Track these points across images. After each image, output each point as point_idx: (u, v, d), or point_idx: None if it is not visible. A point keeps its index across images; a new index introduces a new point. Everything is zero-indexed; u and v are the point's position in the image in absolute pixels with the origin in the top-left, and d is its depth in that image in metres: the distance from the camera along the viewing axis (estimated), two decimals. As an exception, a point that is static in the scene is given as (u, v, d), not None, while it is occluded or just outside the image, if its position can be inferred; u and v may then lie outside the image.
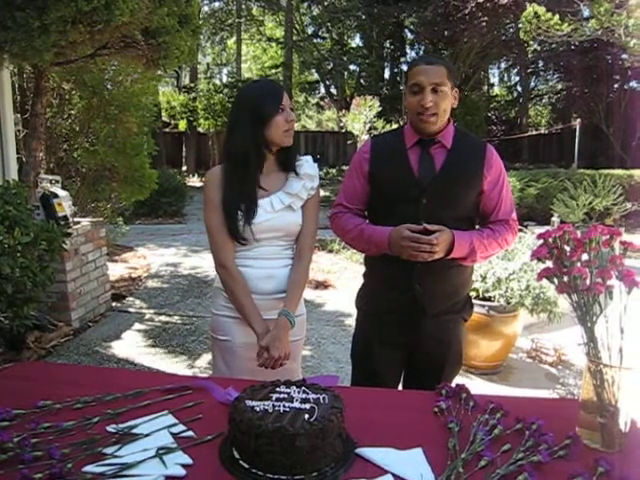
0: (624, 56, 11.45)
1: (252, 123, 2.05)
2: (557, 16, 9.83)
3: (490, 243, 2.14)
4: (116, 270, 7.22)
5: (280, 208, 2.12)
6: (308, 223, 2.19)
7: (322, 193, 13.26)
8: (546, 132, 24.45)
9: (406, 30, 22.45)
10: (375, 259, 2.23)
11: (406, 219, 2.06)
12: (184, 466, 1.34)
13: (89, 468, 1.32)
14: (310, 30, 23.80)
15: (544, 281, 1.54)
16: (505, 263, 4.26)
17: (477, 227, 2.27)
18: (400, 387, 2.37)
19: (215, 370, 2.27)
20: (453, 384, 1.81)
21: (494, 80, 28.30)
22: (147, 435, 1.47)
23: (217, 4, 25.64)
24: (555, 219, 7.34)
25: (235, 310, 2.13)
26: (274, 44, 25.58)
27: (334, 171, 19.20)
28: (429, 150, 2.14)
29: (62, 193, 4.96)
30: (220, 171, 2.13)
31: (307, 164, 2.20)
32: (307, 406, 1.40)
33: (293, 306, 2.12)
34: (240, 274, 2.11)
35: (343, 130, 13.61)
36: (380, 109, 8.91)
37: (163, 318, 5.58)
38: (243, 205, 2.07)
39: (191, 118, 20.73)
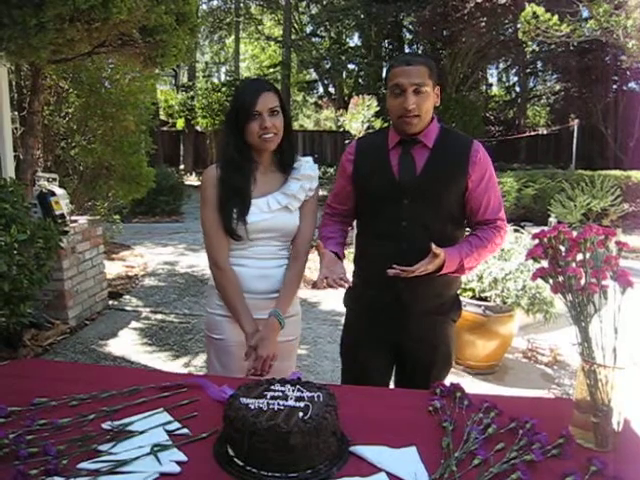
0: (623, 57, 11.44)
1: (232, 127, 2.10)
2: (556, 16, 9.85)
3: (480, 252, 2.13)
4: (113, 268, 7.22)
5: (276, 208, 2.13)
6: (305, 224, 2.20)
7: (320, 193, 13.26)
8: (544, 133, 24.45)
9: (405, 30, 22.43)
10: (361, 257, 2.25)
11: (391, 219, 2.10)
12: (179, 463, 1.34)
13: (84, 465, 1.32)
14: (309, 29, 23.76)
15: (540, 281, 1.55)
16: (501, 263, 4.27)
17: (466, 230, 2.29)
18: (392, 386, 2.37)
19: (210, 368, 2.27)
20: (447, 383, 1.81)
21: (492, 80, 28.25)
22: (142, 432, 1.47)
23: (215, 2, 25.59)
24: (552, 220, 7.36)
25: (227, 308, 2.15)
26: (272, 43, 25.56)
27: (332, 170, 19.17)
28: (410, 150, 2.13)
29: (59, 191, 4.96)
30: (216, 170, 2.14)
31: (307, 165, 2.21)
32: (301, 404, 1.40)
33: (284, 307, 2.13)
34: (233, 273, 2.12)
35: (341, 129, 13.55)
36: (378, 108, 8.87)
37: (160, 316, 5.58)
38: (237, 204, 2.08)
39: (189, 117, 20.71)
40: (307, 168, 2.20)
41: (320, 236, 2.29)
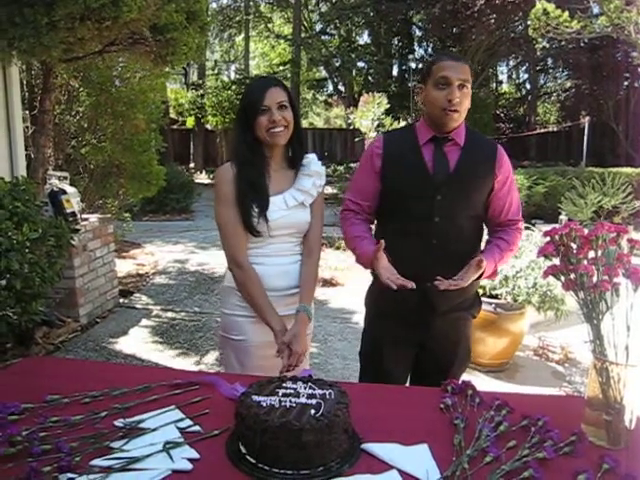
0: (634, 54, 11.36)
1: (242, 124, 2.10)
2: (566, 13, 9.80)
3: (508, 256, 2.20)
4: (124, 266, 7.24)
5: (293, 205, 2.13)
6: (316, 219, 2.21)
7: (330, 190, 13.31)
8: (554, 130, 24.33)
9: (414, 27, 22.39)
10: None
11: (422, 215, 2.09)
12: (191, 460, 1.35)
13: (97, 462, 1.33)
14: (318, 27, 23.78)
15: (551, 279, 1.54)
16: (512, 261, 4.25)
17: (485, 233, 2.29)
18: (407, 384, 2.37)
19: (227, 368, 2.24)
20: (460, 381, 1.81)
21: (502, 77, 28.22)
22: (154, 429, 1.48)
23: (225, 1, 25.68)
24: (563, 217, 7.32)
25: (249, 309, 2.12)
26: (282, 41, 25.57)
27: (342, 168, 19.15)
28: (442, 147, 2.13)
29: (70, 190, 4.98)
30: (232, 167, 2.12)
31: (314, 161, 2.21)
32: (313, 401, 1.41)
33: (309, 301, 2.14)
34: (254, 272, 2.10)
35: (351, 127, 13.55)
36: (388, 106, 8.86)
37: (170, 314, 5.59)
38: (256, 200, 2.07)
39: (199, 115, 20.75)
40: (315, 164, 2.20)
41: (351, 236, 2.22)
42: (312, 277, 2.19)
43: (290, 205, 2.12)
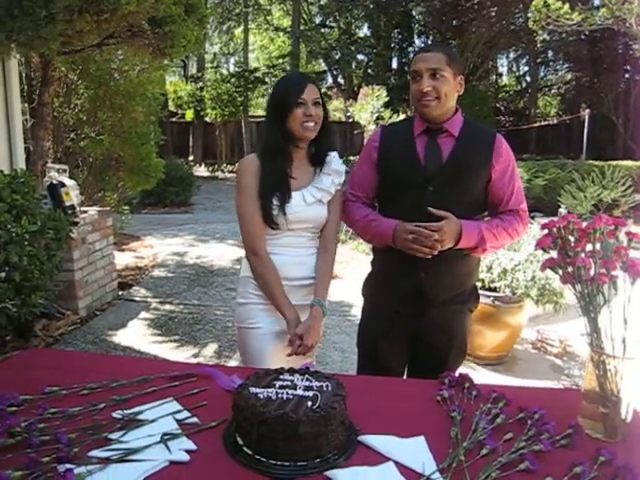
0: (635, 46, 11.34)
1: (275, 116, 2.15)
2: (567, 5, 9.78)
3: (499, 232, 2.14)
4: (123, 259, 7.24)
5: (311, 201, 2.18)
6: (333, 216, 2.26)
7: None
8: (554, 123, 24.28)
9: (414, 20, 22.30)
10: (383, 247, 2.24)
11: (413, 206, 2.09)
12: (188, 452, 1.35)
13: (95, 453, 1.33)
14: (318, 19, 23.66)
15: (550, 272, 1.54)
16: (511, 254, 4.25)
17: (487, 218, 2.28)
18: (404, 377, 2.37)
19: (246, 360, 2.26)
20: (456, 374, 1.81)
21: (502, 70, 28.11)
22: (152, 421, 1.48)
23: (224, -7, 25.51)
24: (562, 210, 7.32)
25: (263, 297, 2.17)
26: (281, 34, 25.46)
27: (341, 161, 19.07)
28: (436, 139, 2.14)
29: (69, 182, 4.97)
30: (256, 159, 2.17)
31: (335, 160, 2.26)
32: (310, 393, 1.41)
33: (324, 295, 2.19)
34: (271, 261, 2.15)
35: (350, 120, 13.54)
36: (387, 99, 8.85)
37: (169, 307, 5.60)
38: (277, 193, 2.11)
39: (198, 108, 20.70)
40: (336, 163, 2.25)
41: (361, 215, 2.24)
42: (327, 273, 2.24)
43: (309, 201, 2.17)
